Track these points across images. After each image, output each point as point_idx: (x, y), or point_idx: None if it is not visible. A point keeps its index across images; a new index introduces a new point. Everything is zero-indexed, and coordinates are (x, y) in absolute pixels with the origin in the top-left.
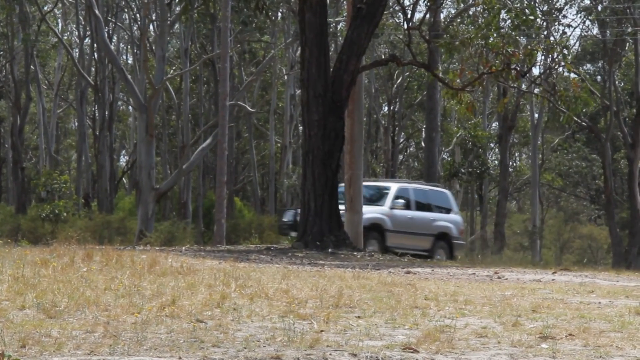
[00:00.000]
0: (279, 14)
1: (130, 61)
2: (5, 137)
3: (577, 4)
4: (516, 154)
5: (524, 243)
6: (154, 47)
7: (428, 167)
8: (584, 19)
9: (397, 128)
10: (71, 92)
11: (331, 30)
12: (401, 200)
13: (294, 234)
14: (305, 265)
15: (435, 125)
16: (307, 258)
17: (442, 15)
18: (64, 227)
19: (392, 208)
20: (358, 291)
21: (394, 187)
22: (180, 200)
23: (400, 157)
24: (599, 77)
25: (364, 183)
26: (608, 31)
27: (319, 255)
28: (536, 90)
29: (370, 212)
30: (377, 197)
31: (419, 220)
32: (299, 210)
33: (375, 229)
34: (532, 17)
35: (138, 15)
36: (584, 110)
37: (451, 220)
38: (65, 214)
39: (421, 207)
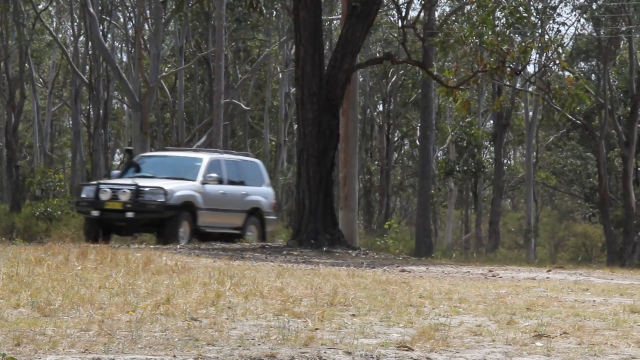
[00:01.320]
0: (274, 11)
1: (124, 59)
2: (0, 136)
3: (571, 2)
4: (511, 152)
5: (519, 241)
6: (148, 45)
7: (423, 165)
8: (579, 17)
9: (391, 126)
10: (66, 90)
11: (326, 28)
12: (214, 175)
13: (95, 212)
14: (300, 263)
15: (429, 124)
16: (301, 256)
17: (436, 14)
18: (58, 225)
19: (204, 183)
20: (353, 289)
21: (205, 158)
22: None
23: (395, 155)
24: (593, 75)
25: (167, 153)
26: (602, 29)
27: (313, 254)
28: (530, 89)
29: (180, 188)
30: (185, 170)
31: (231, 195)
32: (101, 186)
33: (187, 208)
34: (526, 15)
35: (133, 13)
36: (577, 108)
37: (263, 193)
38: (59, 212)
39: (233, 180)
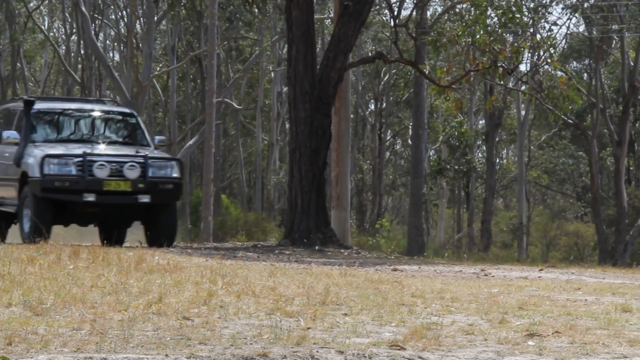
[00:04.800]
0: (267, 10)
1: (117, 58)
2: None
3: (563, 1)
4: (503, 152)
5: (509, 241)
6: (140, 45)
7: (415, 164)
8: (570, 17)
9: (384, 125)
10: (58, 89)
11: (318, 27)
12: (163, 137)
13: (90, 196)
14: (292, 262)
15: (422, 123)
16: (294, 255)
17: (428, 13)
18: None
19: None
20: (345, 288)
21: (133, 113)
22: None
23: (387, 154)
24: (585, 74)
25: (78, 105)
26: (594, 29)
27: (306, 253)
28: (523, 88)
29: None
30: (124, 132)
31: None
32: (92, 157)
33: None
34: (518, 16)
35: (125, 12)
36: (570, 108)
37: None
38: None
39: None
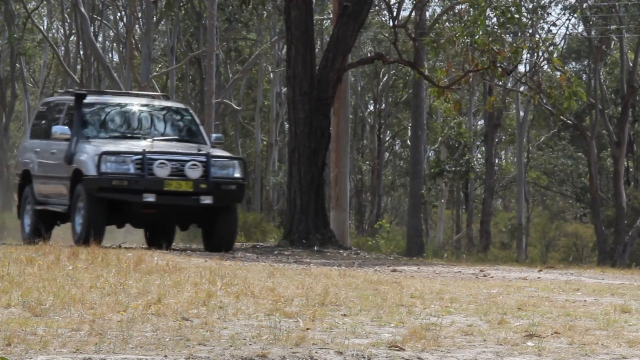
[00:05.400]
0: (264, 12)
1: (116, 59)
2: None
3: (562, 2)
4: (502, 152)
5: (507, 241)
6: (139, 45)
7: (414, 165)
8: (569, 17)
9: (383, 126)
10: (57, 89)
11: (317, 28)
12: (220, 135)
13: (149, 196)
14: (291, 263)
15: (421, 123)
16: (293, 256)
17: (427, 14)
18: None
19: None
20: (344, 289)
21: (188, 109)
22: None
23: (387, 155)
24: (584, 75)
25: (132, 100)
26: (593, 29)
27: (305, 254)
28: (522, 88)
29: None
30: (179, 127)
31: None
32: (152, 155)
33: None
34: (517, 17)
35: (124, 13)
36: (575, 106)
37: None
38: None
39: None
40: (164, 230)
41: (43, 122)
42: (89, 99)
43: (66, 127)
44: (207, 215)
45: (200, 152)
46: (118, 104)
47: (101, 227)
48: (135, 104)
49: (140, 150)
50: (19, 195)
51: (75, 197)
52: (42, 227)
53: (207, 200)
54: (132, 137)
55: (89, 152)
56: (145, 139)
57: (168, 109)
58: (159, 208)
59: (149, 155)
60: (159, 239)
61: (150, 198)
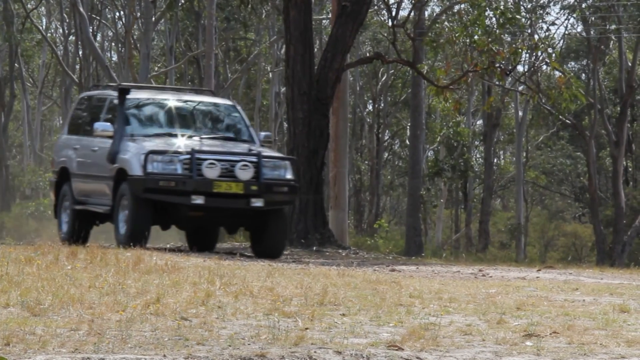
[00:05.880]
0: (264, 11)
1: (114, 59)
2: None
3: (560, 2)
4: (500, 152)
5: (507, 241)
6: (138, 45)
7: (413, 164)
8: (568, 17)
9: (381, 126)
10: (55, 89)
11: (316, 27)
12: (269, 133)
13: (198, 198)
14: (290, 263)
15: (419, 123)
16: (291, 256)
17: (426, 13)
18: (48, 224)
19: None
20: (343, 289)
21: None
22: None
23: (385, 154)
24: (583, 74)
25: (177, 96)
26: (592, 29)
27: (303, 253)
28: (521, 88)
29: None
30: (225, 125)
31: None
32: (201, 155)
33: None
34: (518, 17)
35: (123, 12)
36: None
37: None
38: (49, 212)
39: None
40: (208, 232)
41: (82, 117)
42: (133, 94)
43: (109, 124)
44: (256, 219)
45: (252, 152)
46: (163, 100)
47: (146, 230)
48: (180, 100)
49: (188, 149)
50: (56, 194)
51: (118, 198)
52: (81, 227)
53: (257, 203)
54: (178, 136)
55: (134, 151)
56: (191, 137)
57: (215, 105)
58: (207, 210)
59: (197, 155)
60: (201, 241)
61: (199, 200)
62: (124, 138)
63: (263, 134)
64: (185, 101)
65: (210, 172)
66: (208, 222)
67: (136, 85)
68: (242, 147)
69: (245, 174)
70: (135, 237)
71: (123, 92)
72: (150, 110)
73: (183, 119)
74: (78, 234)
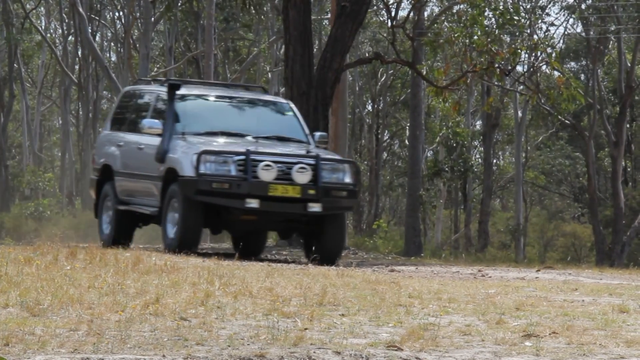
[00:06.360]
0: (264, 9)
1: (114, 59)
2: None
3: (560, 2)
4: (500, 152)
5: (507, 241)
6: (137, 45)
7: (412, 165)
8: (568, 17)
9: (381, 126)
10: (55, 90)
11: (315, 28)
12: (324, 133)
13: (253, 202)
14: (290, 263)
15: (419, 123)
16: (291, 256)
17: (426, 14)
18: (47, 225)
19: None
20: (342, 289)
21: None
22: None
23: (385, 155)
24: (582, 75)
25: (229, 92)
26: (591, 29)
27: (303, 253)
28: (520, 88)
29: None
30: (281, 125)
31: None
32: (257, 156)
33: None
34: (517, 18)
35: (122, 13)
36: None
37: None
38: (49, 212)
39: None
40: (257, 236)
41: (126, 113)
42: (184, 90)
43: (158, 121)
44: (312, 224)
45: (310, 154)
46: (214, 97)
47: (197, 234)
48: (232, 97)
49: (243, 149)
50: (97, 193)
51: (167, 199)
52: (124, 228)
53: (315, 207)
54: (230, 134)
55: (185, 150)
56: (244, 137)
57: (268, 102)
58: (261, 215)
59: (253, 156)
60: (247, 246)
61: (253, 204)
62: (174, 136)
63: (318, 134)
64: (238, 98)
65: (266, 174)
66: (261, 227)
67: (186, 80)
68: (298, 148)
69: (302, 177)
70: (186, 242)
71: (173, 87)
72: (201, 107)
73: (235, 117)
74: (120, 236)
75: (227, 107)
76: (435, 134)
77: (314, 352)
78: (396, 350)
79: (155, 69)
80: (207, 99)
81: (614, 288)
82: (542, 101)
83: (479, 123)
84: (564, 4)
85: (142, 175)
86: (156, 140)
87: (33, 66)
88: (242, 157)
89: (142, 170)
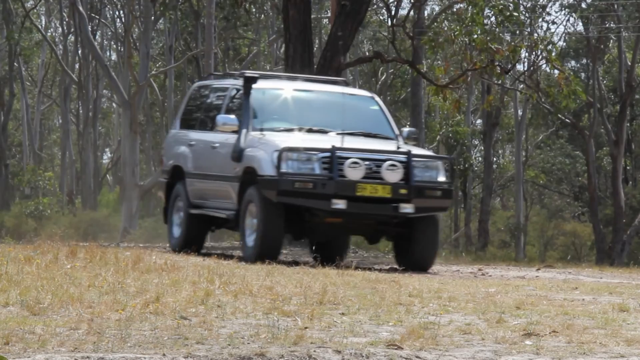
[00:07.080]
0: (262, 14)
1: (114, 58)
2: None
3: (560, 1)
4: (500, 151)
5: (507, 240)
6: (137, 44)
7: None
8: (568, 16)
9: None
10: (55, 88)
11: (315, 26)
12: (413, 129)
13: (340, 203)
14: (290, 262)
15: (419, 122)
16: (291, 255)
17: (426, 12)
18: (47, 224)
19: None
20: (342, 288)
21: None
22: None
23: None
24: (582, 74)
25: (312, 86)
26: (591, 28)
27: (303, 252)
28: (521, 87)
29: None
30: (366, 120)
31: None
32: (343, 153)
33: None
34: (516, 15)
35: (122, 12)
36: (574, 105)
37: None
38: (49, 211)
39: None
40: (338, 241)
41: (197, 109)
42: (261, 83)
43: (233, 117)
44: (403, 227)
45: (400, 150)
46: (293, 90)
47: (279, 241)
48: (313, 91)
49: (328, 146)
50: (167, 196)
51: (245, 202)
52: (196, 233)
53: (407, 209)
54: (313, 131)
55: (264, 148)
56: (327, 132)
57: (352, 96)
58: (347, 216)
59: (338, 153)
60: (328, 251)
61: (340, 205)
62: (251, 133)
63: (407, 129)
64: (319, 92)
65: (354, 172)
66: (347, 230)
67: (262, 73)
68: (387, 145)
69: (393, 175)
70: (267, 250)
71: (249, 80)
72: (280, 101)
73: (317, 111)
74: (192, 241)
75: (307, 101)
76: (435, 133)
77: (314, 350)
78: (396, 349)
79: (156, 68)
80: (286, 93)
81: (614, 287)
82: (542, 100)
83: (479, 122)
84: (564, 2)
85: (216, 176)
86: (232, 138)
87: (33, 65)
88: (327, 154)
89: (216, 171)
